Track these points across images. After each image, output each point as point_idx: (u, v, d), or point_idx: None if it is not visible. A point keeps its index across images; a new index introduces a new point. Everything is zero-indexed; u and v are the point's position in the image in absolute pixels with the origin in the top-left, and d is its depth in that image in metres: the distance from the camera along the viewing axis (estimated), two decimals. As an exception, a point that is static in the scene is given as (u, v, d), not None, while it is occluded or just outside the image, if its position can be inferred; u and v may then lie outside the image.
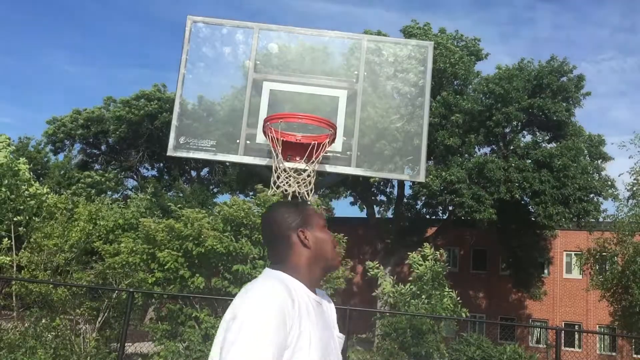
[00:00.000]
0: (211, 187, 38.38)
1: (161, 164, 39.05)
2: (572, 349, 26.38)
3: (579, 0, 68.46)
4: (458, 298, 11.50)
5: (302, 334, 1.62)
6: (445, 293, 11.46)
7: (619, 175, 39.93)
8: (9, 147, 14.17)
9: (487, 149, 26.73)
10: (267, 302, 1.58)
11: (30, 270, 12.86)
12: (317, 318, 1.71)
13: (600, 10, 71.84)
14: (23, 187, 13.64)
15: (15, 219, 13.55)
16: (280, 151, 4.17)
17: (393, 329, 10.29)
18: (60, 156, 37.75)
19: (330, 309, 1.91)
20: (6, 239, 13.15)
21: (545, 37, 74.50)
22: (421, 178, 4.66)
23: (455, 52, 25.24)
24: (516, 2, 71.15)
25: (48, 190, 14.49)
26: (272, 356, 1.51)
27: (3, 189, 13.31)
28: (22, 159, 14.22)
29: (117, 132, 34.29)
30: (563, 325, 29.93)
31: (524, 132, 27.33)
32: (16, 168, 13.50)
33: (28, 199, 13.67)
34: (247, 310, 1.58)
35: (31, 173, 14.45)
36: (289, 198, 4.16)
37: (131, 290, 8.36)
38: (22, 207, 13.63)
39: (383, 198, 30.38)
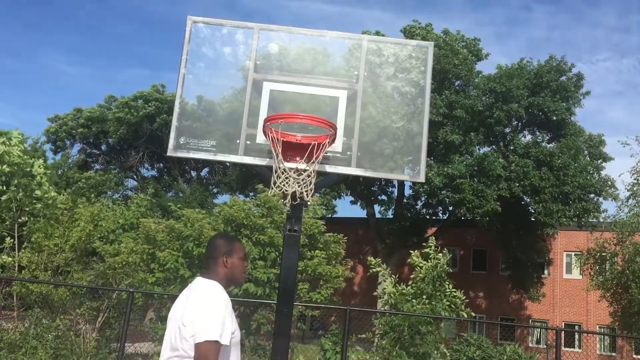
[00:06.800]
0: (211, 187, 38.37)
1: (161, 164, 39.04)
2: (572, 349, 26.38)
3: (575, 1, 68.50)
4: (464, 297, 11.43)
5: (234, 317, 2.77)
6: (448, 293, 11.39)
7: (619, 175, 39.67)
8: (21, 144, 13.77)
9: (487, 149, 26.74)
10: (219, 296, 2.76)
11: (30, 270, 12.84)
12: None
13: (595, 11, 71.89)
14: (33, 187, 13.44)
15: (19, 219, 13.48)
16: (280, 151, 4.17)
17: (391, 327, 10.26)
18: (59, 155, 37.70)
19: None
20: (9, 238, 13.11)
21: (541, 37, 74.64)
22: (421, 178, 4.65)
23: (460, 53, 25.27)
24: (512, 2, 71.20)
25: (55, 194, 14.29)
26: (229, 329, 2.66)
27: (12, 188, 13.18)
28: (39, 161, 14.00)
29: (117, 133, 34.29)
30: (563, 325, 29.92)
31: (524, 132, 27.36)
32: (28, 169, 13.33)
33: (35, 200, 13.52)
34: (209, 300, 2.70)
35: (44, 177, 14.11)
36: (289, 198, 4.16)
37: (131, 290, 8.35)
38: (27, 208, 13.53)
39: (384, 197, 30.36)
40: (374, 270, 12.43)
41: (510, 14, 75.65)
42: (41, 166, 13.83)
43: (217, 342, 2.58)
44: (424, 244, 12.53)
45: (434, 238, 12.23)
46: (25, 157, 13.47)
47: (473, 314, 11.79)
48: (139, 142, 35.28)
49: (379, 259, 12.83)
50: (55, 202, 13.92)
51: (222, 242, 2.98)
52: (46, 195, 13.61)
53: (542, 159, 23.99)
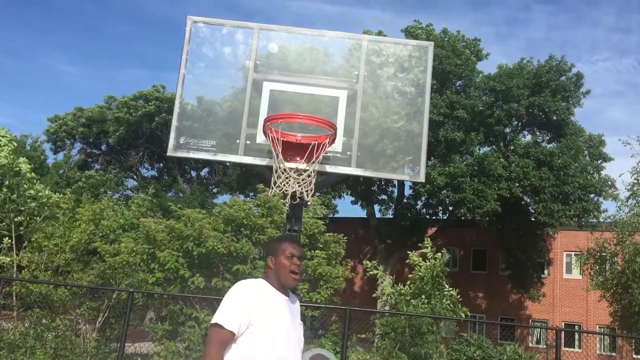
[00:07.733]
0: (211, 187, 38.35)
1: (161, 164, 39.01)
2: (572, 349, 26.37)
3: (575, 1, 68.53)
4: (459, 297, 11.43)
5: (264, 311, 2.68)
6: (445, 292, 11.39)
7: (619, 175, 39.55)
8: (10, 143, 13.45)
9: (487, 149, 26.73)
10: (241, 287, 2.76)
11: (30, 270, 12.83)
12: (282, 307, 2.80)
13: (595, 11, 71.91)
14: (25, 186, 13.29)
15: (16, 219, 13.40)
16: (280, 151, 4.17)
17: (392, 328, 10.27)
18: (60, 155, 37.66)
19: (296, 306, 3.02)
20: (7, 238, 13.08)
21: (540, 37, 74.71)
22: (421, 178, 4.65)
23: (462, 53, 25.24)
24: (512, 2, 71.25)
25: (49, 192, 14.18)
26: (239, 316, 2.63)
27: (4, 190, 13.08)
28: (22, 159, 13.74)
29: (117, 133, 34.26)
30: (563, 325, 29.91)
31: (524, 132, 27.36)
32: (17, 168, 13.15)
33: (29, 200, 13.40)
34: (229, 292, 2.74)
35: (32, 173, 13.93)
36: (289, 198, 4.16)
37: (131, 290, 8.34)
38: (23, 208, 13.43)
39: (384, 197, 30.34)
40: (370, 273, 12.45)
41: (510, 14, 75.74)
42: (25, 163, 13.49)
43: (218, 324, 2.60)
44: (420, 244, 12.53)
45: (429, 239, 12.25)
46: (13, 155, 13.20)
47: (463, 314, 11.73)
48: (138, 142, 35.24)
49: (375, 262, 12.83)
50: (50, 201, 13.79)
51: (270, 243, 3.07)
52: (40, 194, 13.48)
53: (542, 159, 23.97)
